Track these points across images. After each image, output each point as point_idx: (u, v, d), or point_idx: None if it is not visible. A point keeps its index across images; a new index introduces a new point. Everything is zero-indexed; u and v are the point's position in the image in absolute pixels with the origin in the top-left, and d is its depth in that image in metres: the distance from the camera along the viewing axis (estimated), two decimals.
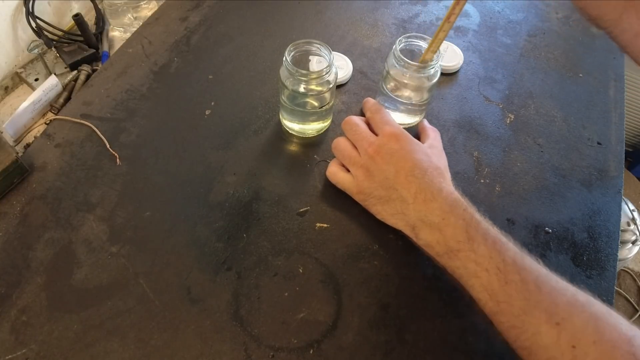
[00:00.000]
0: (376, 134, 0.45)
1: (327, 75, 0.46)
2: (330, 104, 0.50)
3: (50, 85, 0.62)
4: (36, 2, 0.65)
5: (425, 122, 0.51)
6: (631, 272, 1.33)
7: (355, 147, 0.45)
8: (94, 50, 0.68)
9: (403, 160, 0.42)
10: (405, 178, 0.41)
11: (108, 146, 0.50)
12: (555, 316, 0.33)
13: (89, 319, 0.39)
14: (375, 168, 0.43)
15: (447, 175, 0.43)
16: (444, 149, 0.48)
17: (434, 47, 0.47)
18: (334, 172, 0.47)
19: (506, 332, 0.35)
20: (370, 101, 0.50)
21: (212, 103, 0.55)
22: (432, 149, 0.45)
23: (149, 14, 0.69)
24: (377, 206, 0.44)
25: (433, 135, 0.48)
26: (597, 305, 0.34)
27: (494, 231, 0.38)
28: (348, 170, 0.46)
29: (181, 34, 0.64)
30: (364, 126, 0.46)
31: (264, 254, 0.43)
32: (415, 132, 0.51)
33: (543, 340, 0.33)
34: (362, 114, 0.51)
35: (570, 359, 0.32)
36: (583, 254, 0.47)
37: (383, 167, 0.42)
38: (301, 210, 0.47)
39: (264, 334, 0.39)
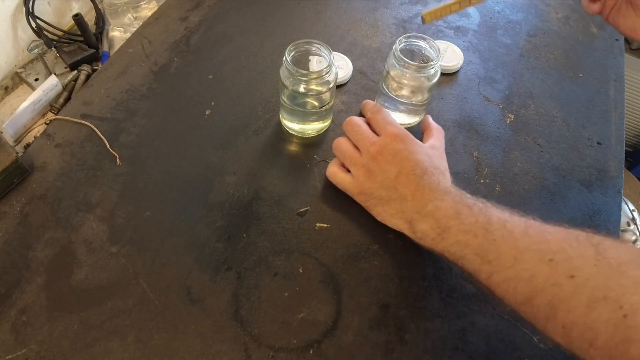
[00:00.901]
0: (377, 134, 0.45)
1: (327, 75, 0.46)
2: (330, 104, 0.50)
3: (50, 85, 0.62)
4: (36, 2, 0.65)
5: (430, 119, 0.51)
6: None
7: (357, 148, 0.45)
8: (94, 50, 0.68)
9: (405, 160, 0.42)
10: (406, 177, 0.41)
11: (108, 146, 0.50)
12: (547, 254, 0.31)
13: (89, 319, 0.39)
14: (377, 168, 0.43)
15: (447, 175, 0.44)
16: (444, 148, 0.48)
17: (438, 15, 0.47)
18: (334, 172, 0.47)
19: (505, 291, 0.33)
20: (369, 103, 0.50)
21: (212, 103, 0.55)
22: (434, 150, 0.45)
23: (149, 14, 0.69)
24: (378, 207, 0.43)
25: (436, 135, 0.48)
26: (597, 237, 0.31)
27: (485, 203, 0.38)
28: (349, 171, 0.46)
29: (181, 34, 0.64)
30: (365, 126, 0.46)
31: (264, 254, 0.43)
32: (416, 131, 0.51)
33: (539, 282, 0.31)
34: (362, 115, 0.51)
35: (571, 289, 0.29)
36: None
37: (385, 167, 0.42)
38: (301, 210, 0.47)
39: (264, 334, 0.39)
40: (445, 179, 0.42)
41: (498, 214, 0.36)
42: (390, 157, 0.42)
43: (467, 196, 0.39)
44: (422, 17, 0.48)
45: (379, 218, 0.44)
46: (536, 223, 0.35)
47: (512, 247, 0.33)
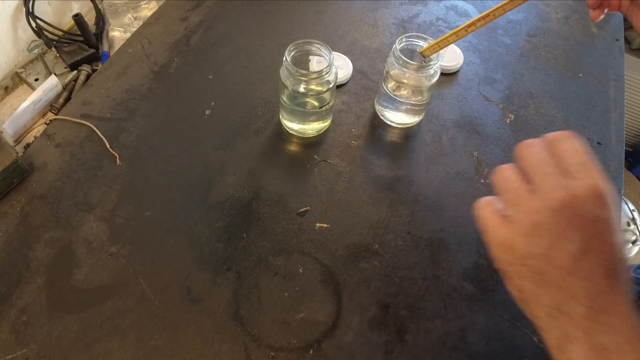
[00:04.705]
0: (567, 172, 0.29)
1: (327, 75, 0.46)
2: (330, 104, 0.50)
3: (50, 85, 0.62)
4: (36, 2, 0.65)
5: None
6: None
7: (526, 181, 0.30)
8: (94, 50, 0.69)
9: (602, 238, 0.27)
10: (593, 265, 0.27)
11: (108, 146, 0.50)
12: None
13: (89, 319, 0.39)
14: (552, 226, 0.27)
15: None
16: (444, 148, 0.48)
17: (437, 48, 0.47)
18: (488, 215, 0.31)
19: None
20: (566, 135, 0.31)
21: (212, 103, 0.55)
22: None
23: (149, 14, 0.69)
24: (524, 281, 0.28)
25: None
26: None
27: None
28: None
29: (181, 34, 0.64)
30: (552, 161, 0.30)
31: (264, 254, 0.44)
32: (416, 131, 0.51)
33: None
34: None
35: None
36: None
37: (565, 229, 0.27)
38: (301, 210, 0.47)
39: (264, 334, 0.39)
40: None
41: None
42: (579, 220, 0.27)
43: None
44: (421, 54, 0.48)
45: (514, 292, 0.29)
46: None
47: None
